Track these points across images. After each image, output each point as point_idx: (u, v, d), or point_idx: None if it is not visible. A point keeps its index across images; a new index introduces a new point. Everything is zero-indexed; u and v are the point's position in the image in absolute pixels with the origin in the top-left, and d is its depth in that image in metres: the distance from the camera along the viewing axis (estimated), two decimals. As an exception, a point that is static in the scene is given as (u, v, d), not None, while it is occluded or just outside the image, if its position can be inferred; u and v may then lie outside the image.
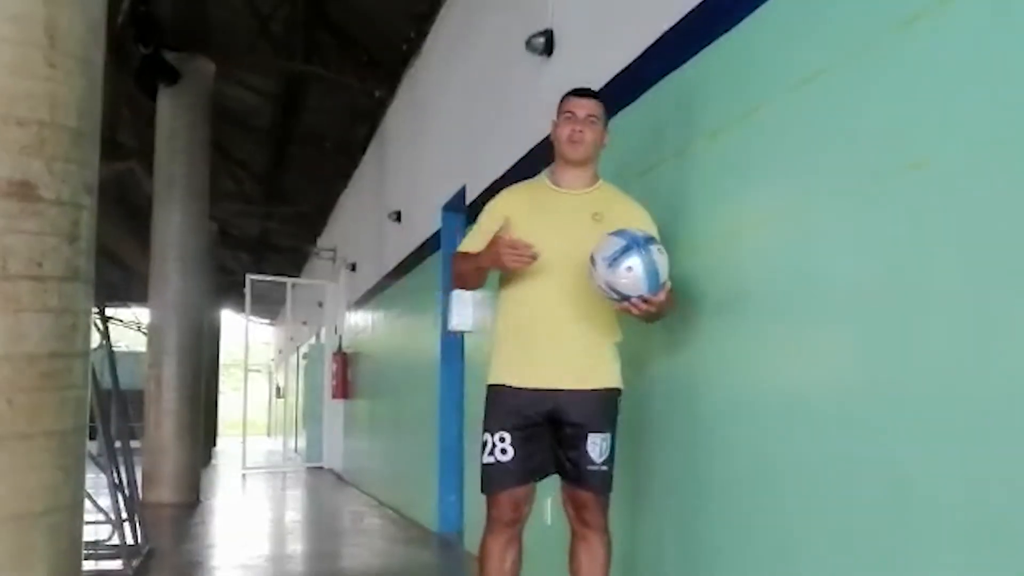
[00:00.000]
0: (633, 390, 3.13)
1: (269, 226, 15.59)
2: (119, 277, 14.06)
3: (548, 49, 4.03)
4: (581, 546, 2.65)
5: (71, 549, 1.52)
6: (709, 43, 2.68)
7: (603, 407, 2.58)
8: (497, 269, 2.61)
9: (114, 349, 5.21)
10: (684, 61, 2.83)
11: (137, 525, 4.98)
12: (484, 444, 2.58)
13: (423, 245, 6.70)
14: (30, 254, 1.48)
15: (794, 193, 2.28)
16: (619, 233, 2.39)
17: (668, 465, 2.89)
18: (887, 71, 1.96)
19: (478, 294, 5.20)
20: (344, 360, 10.86)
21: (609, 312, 2.57)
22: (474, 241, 2.69)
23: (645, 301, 2.34)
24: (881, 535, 1.92)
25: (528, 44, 4.07)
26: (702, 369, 2.69)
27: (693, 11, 2.79)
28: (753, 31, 2.48)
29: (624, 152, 3.24)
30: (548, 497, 3.83)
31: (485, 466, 2.59)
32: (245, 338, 13.40)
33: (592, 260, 2.39)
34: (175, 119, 8.27)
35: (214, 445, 17.28)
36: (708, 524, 2.62)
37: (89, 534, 4.18)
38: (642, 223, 2.57)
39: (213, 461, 14.53)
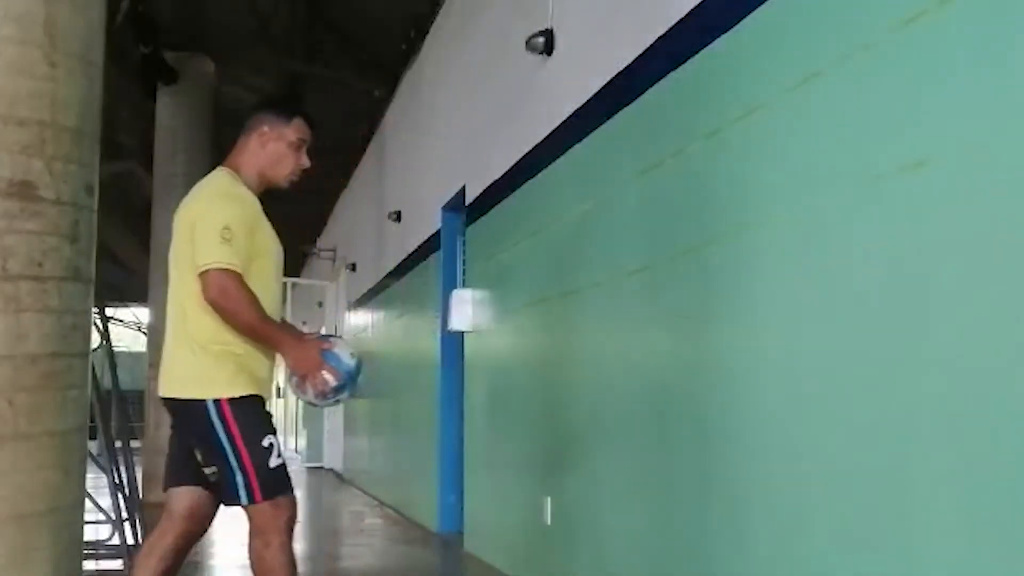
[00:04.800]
0: (637, 389, 3.13)
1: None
2: (119, 277, 14.05)
3: (548, 49, 4.03)
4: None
5: (72, 549, 1.52)
6: (709, 43, 2.68)
7: None
8: (281, 353, 2.65)
9: (114, 349, 5.20)
10: (684, 61, 2.83)
11: (137, 525, 4.98)
12: (271, 446, 2.54)
13: (423, 245, 6.70)
14: (30, 254, 1.48)
15: (794, 193, 2.28)
16: (337, 364, 2.66)
17: (668, 464, 2.89)
18: (887, 71, 1.96)
19: (478, 294, 5.22)
20: (344, 360, 10.84)
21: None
22: (239, 256, 2.52)
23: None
24: (881, 535, 1.92)
25: (528, 44, 4.07)
26: (702, 369, 2.69)
27: (693, 11, 2.79)
28: (752, 31, 2.48)
29: (623, 152, 3.25)
30: (548, 497, 3.84)
31: (276, 468, 2.54)
32: (245, 338, 13.37)
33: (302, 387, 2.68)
34: (175, 119, 8.26)
35: (214, 445, 17.27)
36: (708, 523, 2.62)
37: (89, 534, 4.18)
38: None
39: (213, 461, 14.52)
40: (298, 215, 14.04)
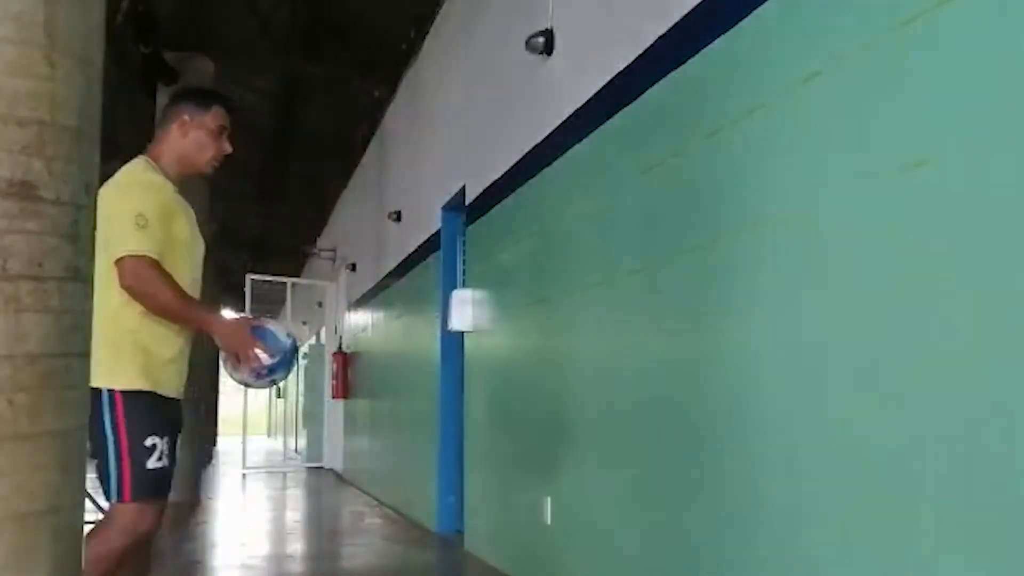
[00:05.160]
0: (636, 389, 3.13)
1: (269, 226, 15.58)
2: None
3: (548, 49, 4.03)
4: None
5: (72, 549, 1.51)
6: (708, 43, 2.69)
7: None
8: (209, 332, 2.63)
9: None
10: (683, 61, 2.83)
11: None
12: (154, 447, 2.50)
13: (423, 245, 6.70)
14: (30, 254, 1.48)
15: (793, 193, 2.28)
16: (270, 341, 2.67)
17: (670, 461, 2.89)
18: (886, 71, 1.96)
19: (478, 294, 5.22)
20: (344, 360, 10.86)
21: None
22: (153, 242, 2.51)
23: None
24: (881, 535, 1.92)
25: (528, 44, 4.08)
26: (702, 368, 2.69)
27: (693, 11, 2.79)
28: (753, 31, 2.48)
29: (623, 152, 3.25)
30: (548, 497, 3.84)
31: (154, 471, 2.49)
32: (245, 338, 13.37)
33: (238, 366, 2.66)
34: (175, 119, 8.24)
35: (214, 445, 17.29)
36: (707, 523, 2.62)
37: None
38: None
39: (213, 461, 14.53)
40: (298, 215, 14.08)
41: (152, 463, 2.49)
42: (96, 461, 2.51)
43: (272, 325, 2.74)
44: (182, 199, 2.71)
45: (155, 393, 2.56)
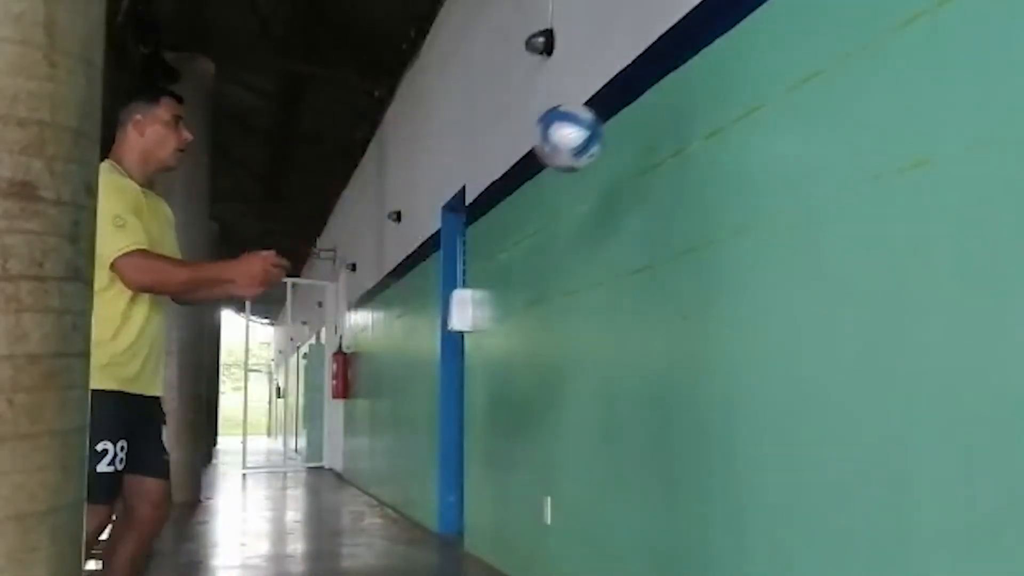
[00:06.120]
0: (636, 389, 3.13)
1: (269, 226, 15.58)
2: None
3: (548, 49, 4.03)
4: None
5: (72, 549, 1.51)
6: (708, 43, 2.69)
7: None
8: (233, 287, 2.60)
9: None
10: (683, 61, 2.83)
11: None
12: (105, 452, 2.48)
13: (423, 245, 6.70)
14: (31, 254, 1.48)
15: (794, 193, 2.28)
16: (575, 121, 2.69)
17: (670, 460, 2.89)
18: (886, 71, 1.97)
19: (478, 294, 5.21)
20: (344, 360, 10.86)
21: None
22: (136, 235, 2.54)
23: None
24: (880, 536, 1.92)
25: (528, 44, 4.07)
26: (702, 369, 2.69)
27: (692, 11, 2.79)
28: (752, 31, 2.48)
29: (622, 153, 3.25)
30: (548, 497, 3.84)
31: (102, 475, 2.45)
32: (245, 338, 13.40)
33: (554, 146, 2.68)
34: (175, 119, 8.24)
35: (214, 445, 17.29)
36: (708, 523, 2.62)
37: (89, 534, 4.15)
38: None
39: (213, 461, 14.53)
40: (298, 215, 14.07)
41: (102, 467, 2.47)
42: None
43: (564, 106, 2.77)
44: (150, 195, 2.75)
45: (121, 392, 2.56)
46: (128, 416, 2.58)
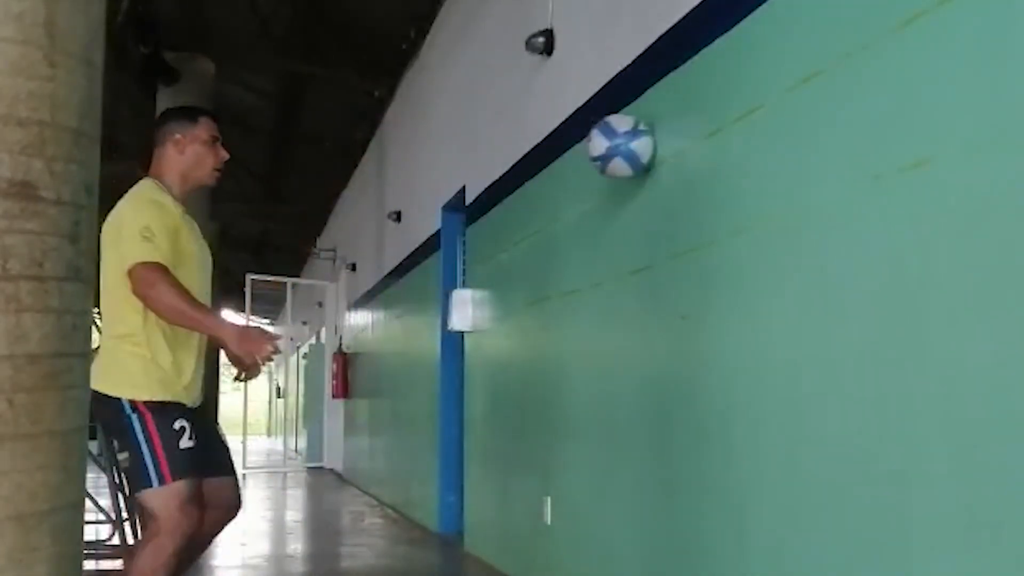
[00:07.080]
0: (636, 389, 3.13)
1: (269, 226, 15.58)
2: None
3: (548, 49, 4.03)
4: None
5: (72, 549, 1.52)
6: (708, 43, 2.69)
7: None
8: (219, 337, 2.66)
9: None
10: (683, 61, 2.83)
11: (137, 525, 4.97)
12: (183, 428, 2.60)
13: (423, 245, 6.70)
14: (31, 254, 1.48)
15: (793, 193, 2.28)
16: (609, 134, 2.94)
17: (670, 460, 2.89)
18: (887, 71, 1.97)
19: (478, 294, 5.22)
20: (344, 360, 10.86)
21: None
22: (160, 253, 2.61)
23: None
24: (880, 537, 1.92)
25: (528, 44, 4.07)
26: (702, 369, 2.69)
27: (693, 11, 2.79)
28: (752, 31, 2.48)
29: (624, 152, 3.24)
30: (548, 497, 3.84)
31: (186, 450, 2.60)
32: (245, 338, 13.34)
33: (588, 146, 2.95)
34: (175, 119, 8.23)
35: (214, 445, 17.23)
36: (707, 523, 2.62)
37: (89, 534, 4.17)
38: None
39: (213, 461, 14.50)
40: (298, 215, 14.07)
41: (184, 443, 2.60)
42: (121, 461, 2.65)
43: (612, 119, 3.00)
44: (187, 215, 2.82)
45: (176, 402, 2.69)
46: (192, 416, 2.71)
